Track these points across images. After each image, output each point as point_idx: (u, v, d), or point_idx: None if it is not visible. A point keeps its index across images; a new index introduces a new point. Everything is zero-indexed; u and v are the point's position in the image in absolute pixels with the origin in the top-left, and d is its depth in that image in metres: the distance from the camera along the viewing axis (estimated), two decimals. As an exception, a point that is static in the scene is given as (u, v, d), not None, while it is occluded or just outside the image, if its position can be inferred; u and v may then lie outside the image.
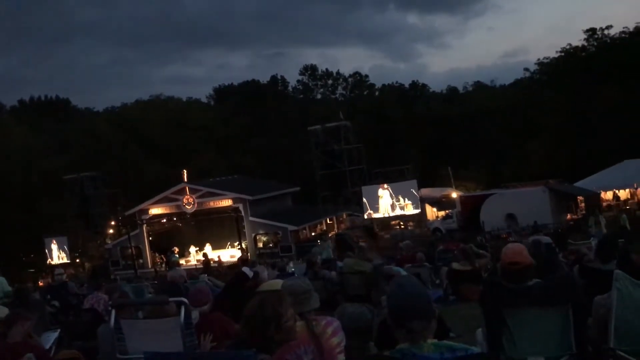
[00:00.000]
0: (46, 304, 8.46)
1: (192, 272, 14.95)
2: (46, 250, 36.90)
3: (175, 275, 8.74)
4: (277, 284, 4.33)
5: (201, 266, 24.58)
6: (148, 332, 3.69)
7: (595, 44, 48.05)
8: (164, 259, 31.79)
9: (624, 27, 46.99)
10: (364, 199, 32.53)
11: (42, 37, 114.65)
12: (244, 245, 31.35)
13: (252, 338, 2.65)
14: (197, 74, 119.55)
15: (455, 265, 9.62)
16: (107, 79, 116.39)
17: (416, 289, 2.43)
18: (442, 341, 2.39)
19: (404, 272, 8.76)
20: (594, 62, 44.80)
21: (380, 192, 32.01)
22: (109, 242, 38.44)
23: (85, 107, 71.72)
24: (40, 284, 27.61)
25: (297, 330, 2.79)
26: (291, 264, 14.97)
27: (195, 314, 4.20)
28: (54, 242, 36.67)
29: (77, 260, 38.09)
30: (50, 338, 4.72)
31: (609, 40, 47.29)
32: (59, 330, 4.93)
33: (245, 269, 5.97)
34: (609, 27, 47.70)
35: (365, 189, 32.81)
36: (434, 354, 2.29)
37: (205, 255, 27.64)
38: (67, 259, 36.28)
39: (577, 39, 49.65)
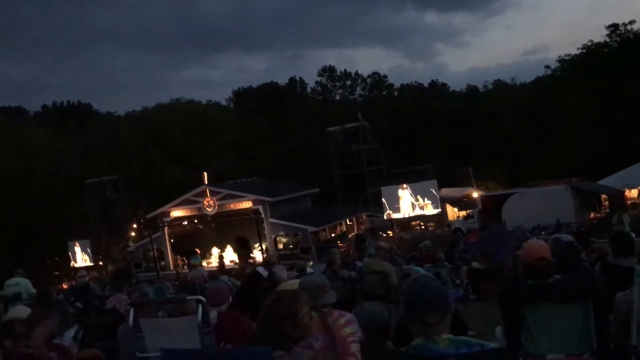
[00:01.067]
0: (69, 305, 8.59)
1: (213, 273, 15.04)
2: (70, 254, 37.44)
3: (196, 275, 8.76)
4: (296, 283, 4.35)
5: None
6: (166, 330, 3.72)
7: (617, 39, 47.26)
8: (186, 261, 32.04)
9: (647, 22, 46.23)
10: (384, 200, 32.44)
11: (64, 43, 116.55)
12: (264, 247, 31.48)
13: (268, 335, 2.67)
14: (217, 77, 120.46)
15: (475, 264, 9.56)
16: (128, 83, 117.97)
17: (431, 283, 2.43)
18: (458, 336, 2.38)
19: (423, 272, 8.74)
20: (616, 58, 44.08)
21: (400, 192, 31.90)
22: (131, 244, 38.87)
23: (107, 112, 72.70)
24: (65, 286, 28.01)
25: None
26: (310, 264, 14.94)
27: (213, 314, 4.22)
28: (77, 245, 37.20)
29: (101, 263, 38.59)
30: (68, 335, 4.78)
31: (631, 36, 46.49)
32: (76, 325, 5.00)
33: (260, 269, 5.96)
34: (631, 22, 46.95)
35: (384, 189, 32.73)
36: (449, 349, 2.28)
37: (221, 257, 27.78)
38: (91, 262, 36.77)
39: (599, 35, 48.98)
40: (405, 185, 32.13)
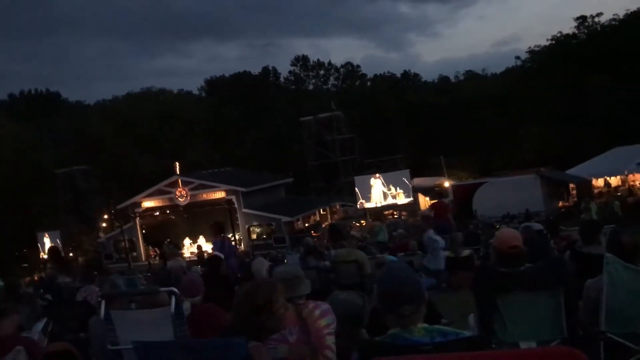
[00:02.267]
0: (38, 297, 8.41)
1: (188, 264, 14.88)
2: (39, 245, 36.75)
3: (175, 265, 8.58)
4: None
5: (195, 258, 24.59)
6: (138, 322, 3.67)
7: (585, 31, 48.11)
8: (158, 252, 31.74)
9: (614, 15, 47.18)
10: (356, 189, 32.54)
11: (31, 30, 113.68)
12: (237, 237, 31.33)
13: (243, 326, 2.64)
14: (188, 66, 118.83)
15: (447, 253, 9.65)
16: (98, 72, 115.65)
17: (405, 273, 2.43)
18: (433, 325, 2.39)
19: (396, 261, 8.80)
20: (584, 49, 44.87)
21: (372, 181, 32.05)
22: (102, 235, 38.33)
23: (76, 101, 71.22)
24: (36, 278, 27.51)
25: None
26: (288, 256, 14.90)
27: (187, 305, 4.18)
28: (47, 236, 36.51)
29: (71, 254, 37.95)
30: (37, 328, 4.69)
31: (599, 28, 47.36)
32: (45, 319, 4.91)
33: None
34: (599, 14, 47.86)
35: (357, 179, 32.84)
36: (424, 338, 2.29)
37: (199, 247, 27.62)
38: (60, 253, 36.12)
39: (568, 27, 49.80)
40: (377, 175, 32.29)
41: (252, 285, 2.85)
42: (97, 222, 40.48)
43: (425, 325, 2.35)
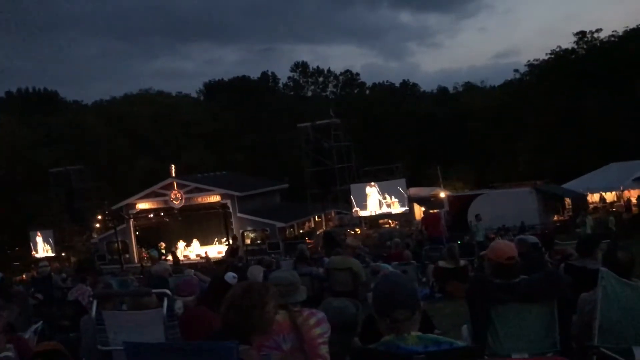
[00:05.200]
0: (30, 296, 8.37)
1: (179, 267, 14.82)
2: (31, 244, 36.57)
3: (159, 269, 8.57)
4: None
5: (187, 261, 24.51)
6: (130, 323, 3.64)
7: (585, 47, 48.37)
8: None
9: (613, 31, 47.44)
10: (352, 197, 32.52)
11: (30, 28, 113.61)
12: (232, 242, 31.21)
13: (231, 327, 2.59)
14: (187, 69, 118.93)
15: (441, 263, 9.66)
16: (96, 72, 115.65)
17: (401, 279, 2.43)
18: (426, 334, 2.38)
19: (391, 269, 8.80)
20: (583, 64, 45.11)
21: (368, 190, 32.02)
22: (95, 236, 38.16)
23: (74, 100, 71.16)
24: (24, 277, 27.36)
25: (278, 320, 2.76)
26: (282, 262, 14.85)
27: (179, 304, 4.15)
28: (39, 235, 36.34)
29: (63, 254, 37.77)
30: (30, 329, 4.66)
31: (598, 44, 47.63)
32: (40, 322, 4.88)
33: (229, 277, 5.53)
34: (598, 30, 48.12)
35: (353, 186, 32.80)
36: (418, 346, 2.27)
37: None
38: (53, 252, 35.97)
39: (567, 42, 50.06)
40: (373, 183, 32.27)
41: (246, 284, 2.80)
42: (90, 222, 40.31)
43: (419, 333, 2.34)
